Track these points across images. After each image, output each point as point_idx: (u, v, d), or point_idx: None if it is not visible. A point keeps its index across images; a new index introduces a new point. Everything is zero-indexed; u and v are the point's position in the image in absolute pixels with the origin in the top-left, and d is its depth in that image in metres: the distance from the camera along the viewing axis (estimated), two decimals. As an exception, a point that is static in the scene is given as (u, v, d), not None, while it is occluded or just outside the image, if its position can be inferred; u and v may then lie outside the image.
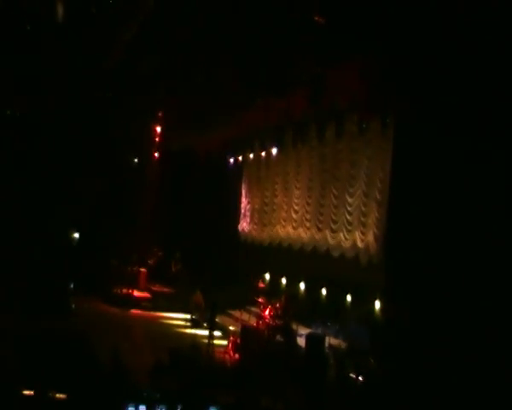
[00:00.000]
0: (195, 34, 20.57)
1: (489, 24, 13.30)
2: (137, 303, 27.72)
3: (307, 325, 21.11)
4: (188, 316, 24.08)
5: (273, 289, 24.93)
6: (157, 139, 32.82)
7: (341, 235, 21.88)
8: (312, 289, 23.42)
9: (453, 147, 14.55)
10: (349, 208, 21.52)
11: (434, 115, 15.14)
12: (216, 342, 21.08)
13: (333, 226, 22.47)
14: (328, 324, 20.18)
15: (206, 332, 21.28)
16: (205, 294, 23.02)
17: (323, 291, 22.78)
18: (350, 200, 21.52)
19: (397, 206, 17.45)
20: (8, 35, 21.67)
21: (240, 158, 28.67)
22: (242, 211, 29.49)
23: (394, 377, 15.19)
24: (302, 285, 24.27)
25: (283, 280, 25.57)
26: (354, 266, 20.79)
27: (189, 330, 21.92)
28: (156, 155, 32.82)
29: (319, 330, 20.06)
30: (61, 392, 12.85)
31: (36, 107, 26.20)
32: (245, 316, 23.16)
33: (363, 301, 20.15)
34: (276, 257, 26.30)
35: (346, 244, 21.50)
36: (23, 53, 22.58)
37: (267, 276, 26.47)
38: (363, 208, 20.81)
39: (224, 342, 20.88)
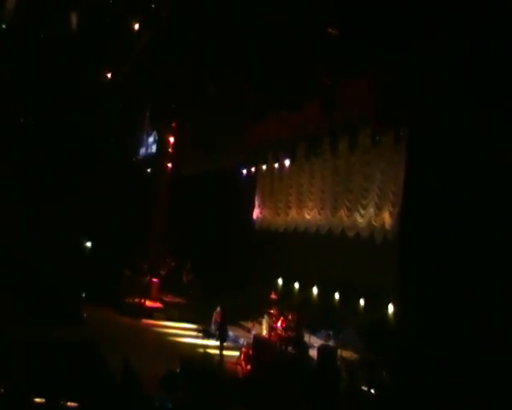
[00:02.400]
0: (209, 46, 20.68)
1: (505, 34, 13.29)
2: (149, 313, 27.75)
3: (319, 336, 21.09)
4: (199, 326, 24.05)
5: (286, 295, 24.97)
6: (170, 150, 32.93)
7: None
8: (325, 293, 23.43)
9: (467, 160, 14.50)
10: (360, 220, 21.52)
11: (447, 128, 15.10)
12: (228, 353, 21.08)
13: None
14: (340, 335, 20.14)
15: (217, 343, 21.27)
16: (225, 311, 22.85)
17: (336, 296, 22.79)
18: (362, 212, 21.51)
19: (409, 218, 17.38)
20: (23, 45, 21.86)
21: (253, 169, 28.67)
22: (255, 222, 29.47)
23: (407, 389, 15.06)
24: (315, 290, 24.28)
25: (296, 285, 25.60)
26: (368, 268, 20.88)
27: (200, 341, 21.88)
28: (169, 165, 32.93)
29: (331, 342, 20.03)
30: (72, 401, 12.87)
31: (48, 116, 26.39)
32: (257, 327, 23.13)
33: (376, 306, 20.10)
34: (289, 257, 26.30)
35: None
36: (36, 62, 22.78)
37: (280, 281, 26.52)
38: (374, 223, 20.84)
39: (236, 354, 20.86)
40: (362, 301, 21.31)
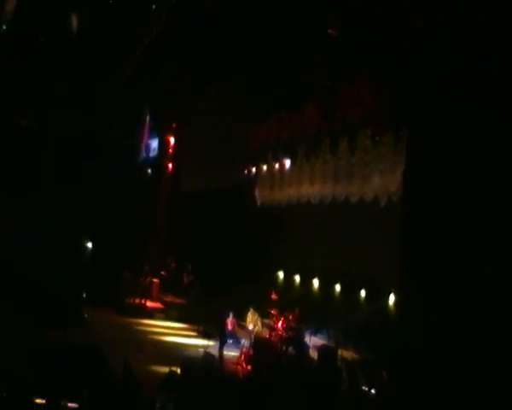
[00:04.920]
0: (209, 48, 20.71)
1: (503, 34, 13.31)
2: (150, 314, 27.80)
3: (320, 336, 21.11)
4: (200, 327, 24.06)
5: (287, 289, 25.18)
6: (171, 151, 32.99)
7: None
8: (326, 286, 23.62)
9: (467, 161, 14.49)
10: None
11: (448, 129, 15.10)
12: (228, 353, 21.10)
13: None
14: (340, 335, 20.18)
15: (217, 343, 21.25)
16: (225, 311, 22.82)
17: (337, 287, 22.93)
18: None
19: (409, 219, 17.36)
20: (23, 47, 21.88)
21: (253, 169, 28.77)
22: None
23: (408, 389, 15.03)
24: (316, 282, 24.45)
25: (297, 278, 25.80)
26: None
27: (200, 342, 21.91)
28: (170, 166, 32.98)
29: (331, 342, 20.06)
30: (73, 401, 12.91)
31: (49, 118, 26.43)
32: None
33: (378, 297, 20.13)
34: (290, 249, 26.45)
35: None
36: (37, 65, 22.80)
37: (281, 275, 26.62)
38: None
39: (237, 354, 20.89)
40: (363, 293, 21.39)
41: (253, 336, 21.36)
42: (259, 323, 22.15)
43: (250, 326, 22.16)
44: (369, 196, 21.01)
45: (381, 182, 20.29)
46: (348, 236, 22.20)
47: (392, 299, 19.55)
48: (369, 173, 21.10)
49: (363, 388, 16.63)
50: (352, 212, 22.14)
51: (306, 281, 25.00)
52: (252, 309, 22.45)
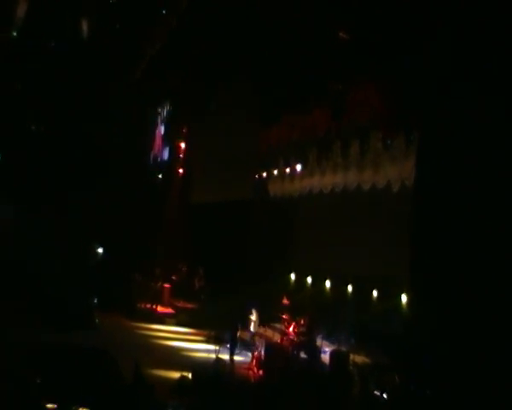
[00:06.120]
0: (219, 52, 20.73)
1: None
2: (161, 319, 27.78)
3: (331, 341, 21.02)
4: (211, 332, 24.02)
5: (299, 290, 25.15)
6: (181, 156, 33.02)
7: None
8: (338, 287, 23.54)
9: (478, 162, 14.41)
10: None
11: (459, 131, 15.04)
12: (240, 358, 21.05)
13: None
14: (352, 340, 20.07)
15: (228, 349, 21.22)
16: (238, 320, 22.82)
17: (349, 288, 22.84)
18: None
19: (421, 222, 17.29)
20: (33, 51, 21.96)
21: (264, 173, 28.73)
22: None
23: (420, 393, 14.93)
24: (327, 283, 24.38)
25: (309, 280, 25.73)
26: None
27: (212, 347, 21.88)
28: (180, 171, 32.99)
29: (343, 346, 19.96)
30: (84, 406, 12.86)
31: (59, 123, 26.52)
32: (269, 332, 23.08)
33: (389, 297, 20.01)
34: (301, 251, 26.37)
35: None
36: (47, 69, 22.89)
37: (292, 276, 26.61)
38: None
39: (248, 359, 20.84)
40: (375, 293, 21.30)
41: (255, 337, 21.39)
42: (257, 323, 22.19)
43: (251, 328, 22.18)
44: (380, 183, 20.96)
45: (394, 170, 20.24)
46: (359, 236, 22.11)
47: (403, 299, 19.45)
48: (381, 177, 21.06)
49: (375, 392, 16.51)
50: (363, 212, 22.08)
51: (318, 282, 24.91)
52: (254, 311, 22.44)
